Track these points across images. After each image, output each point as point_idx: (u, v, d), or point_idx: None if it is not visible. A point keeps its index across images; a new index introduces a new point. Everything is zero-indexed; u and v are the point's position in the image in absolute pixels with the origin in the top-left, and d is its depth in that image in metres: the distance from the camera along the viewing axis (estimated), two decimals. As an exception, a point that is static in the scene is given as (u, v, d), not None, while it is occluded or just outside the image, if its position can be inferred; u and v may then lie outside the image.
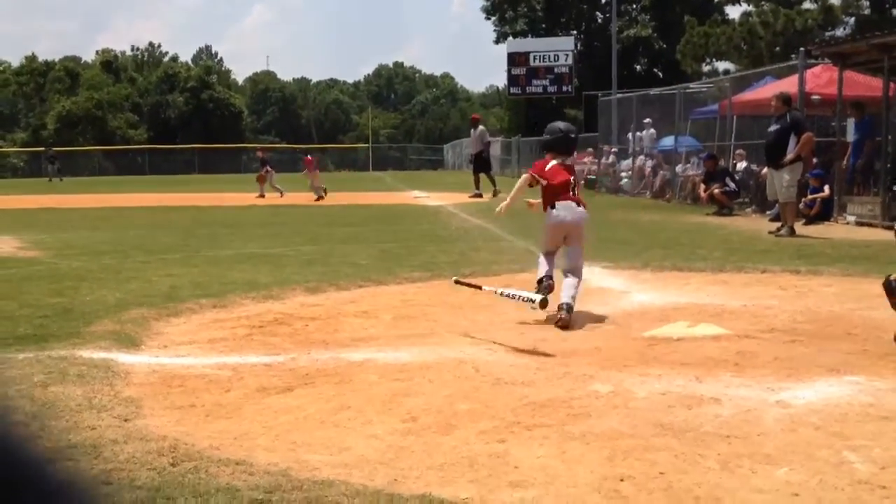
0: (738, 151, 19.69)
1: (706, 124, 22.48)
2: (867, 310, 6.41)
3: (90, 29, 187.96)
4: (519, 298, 5.55)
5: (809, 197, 15.07)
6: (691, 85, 25.13)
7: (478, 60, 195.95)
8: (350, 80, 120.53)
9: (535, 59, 45.85)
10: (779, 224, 13.27)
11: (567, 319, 6.17)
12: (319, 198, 23.65)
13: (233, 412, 4.16)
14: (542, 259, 6.73)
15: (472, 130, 25.25)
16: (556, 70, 45.76)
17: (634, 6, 54.26)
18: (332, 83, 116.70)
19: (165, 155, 67.45)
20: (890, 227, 12.10)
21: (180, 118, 77.43)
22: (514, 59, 46.35)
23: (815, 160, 15.15)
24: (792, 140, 12.90)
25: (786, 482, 3.16)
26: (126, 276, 8.69)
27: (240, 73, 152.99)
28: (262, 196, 25.18)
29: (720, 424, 3.83)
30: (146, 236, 13.61)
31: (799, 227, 13.29)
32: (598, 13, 56.97)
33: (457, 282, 6.44)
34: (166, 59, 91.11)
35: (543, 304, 5.17)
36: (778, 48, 32.06)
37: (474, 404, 4.21)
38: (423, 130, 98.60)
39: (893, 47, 14.33)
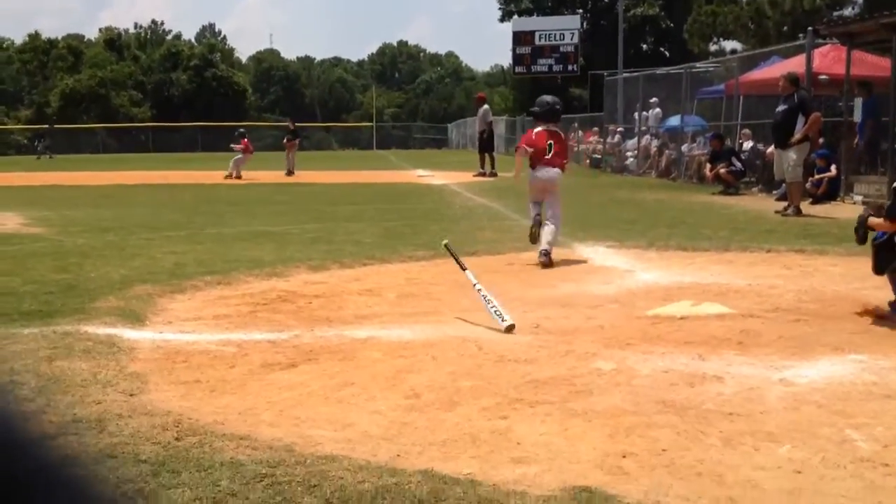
0: (743, 131, 19.61)
1: (712, 104, 22.38)
2: (872, 289, 6.40)
3: (93, 6, 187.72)
4: (493, 309, 5.45)
5: (816, 177, 15.03)
6: (698, 64, 25.00)
7: (483, 39, 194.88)
8: (354, 59, 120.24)
9: (540, 37, 45.54)
10: (785, 204, 13.23)
11: (547, 261, 7.90)
12: (230, 176, 23.56)
13: (237, 388, 4.18)
14: (530, 205, 8.55)
15: (479, 110, 25.22)
16: (561, 49, 45.48)
17: (641, -16, 53.94)
18: (335, 62, 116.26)
19: (169, 133, 67.36)
20: None
21: (184, 96, 77.20)
22: (520, 38, 46.07)
23: (821, 140, 15.09)
24: (799, 120, 12.85)
25: (788, 459, 3.17)
26: (130, 252, 8.70)
27: (243, 52, 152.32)
28: (290, 173, 25.11)
29: (723, 402, 3.84)
30: (150, 213, 13.61)
31: (805, 206, 13.26)
32: (604, -9, 56.67)
33: (447, 246, 6.33)
34: (169, 37, 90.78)
35: (510, 329, 5.19)
36: (786, 28, 31.88)
37: (477, 381, 4.22)
38: (428, 109, 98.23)
39: (901, 26, 14.23)
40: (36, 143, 53.42)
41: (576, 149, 32.60)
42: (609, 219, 11.91)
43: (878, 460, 3.15)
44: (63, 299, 6.14)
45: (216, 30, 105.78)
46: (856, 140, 15.70)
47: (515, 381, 4.20)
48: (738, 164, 17.77)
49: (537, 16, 52.37)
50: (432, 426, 3.58)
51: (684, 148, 22.14)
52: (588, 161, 30.10)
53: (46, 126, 56.26)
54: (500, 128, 39.59)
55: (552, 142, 8.40)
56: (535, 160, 8.39)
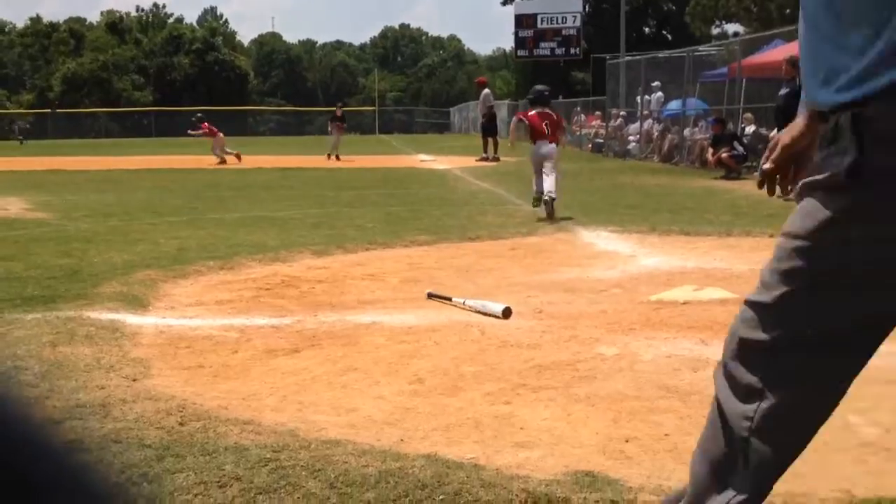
0: (745, 115, 19.55)
1: (715, 87, 22.30)
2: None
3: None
4: (483, 308, 5.40)
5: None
6: (700, 48, 24.90)
7: (485, 22, 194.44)
8: (356, 43, 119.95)
9: (542, 20, 45.30)
10: (787, 188, 13.22)
11: (550, 209, 9.84)
12: (222, 161, 23.48)
13: (240, 373, 4.19)
14: (535, 179, 10.30)
15: (480, 94, 25.16)
16: (563, 32, 45.24)
17: (644, -33, 53.67)
18: (338, 45, 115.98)
19: (171, 117, 67.29)
20: None
21: (186, 80, 77.02)
22: (522, 21, 45.83)
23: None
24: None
25: (790, 444, 3.17)
26: (133, 237, 8.71)
27: (245, 35, 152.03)
28: (336, 158, 25.00)
29: (725, 387, 3.84)
30: (153, 198, 13.61)
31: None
32: (606, -26, 56.39)
33: (429, 295, 6.16)
34: (171, 20, 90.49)
35: (507, 312, 5.15)
36: (788, 10, 31.71)
37: (480, 367, 4.23)
38: (430, 93, 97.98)
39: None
40: (14, 128, 53.51)
41: (578, 133, 32.54)
42: (611, 203, 11.89)
43: (880, 445, 3.16)
44: (66, 284, 6.15)
45: (218, 13, 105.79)
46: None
47: (518, 367, 4.21)
48: (741, 149, 17.72)
49: (539, -1, 52.13)
50: (435, 411, 3.59)
51: (686, 132, 22.08)
52: (590, 145, 30.03)
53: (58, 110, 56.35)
54: (502, 112, 39.42)
55: (547, 122, 10.34)
56: (535, 137, 10.32)
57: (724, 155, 17.45)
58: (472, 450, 3.13)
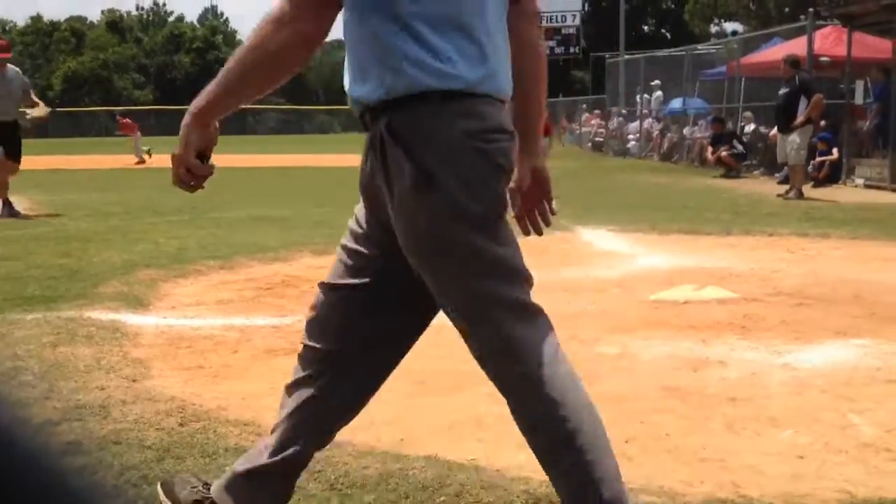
0: (745, 114, 19.55)
1: (714, 86, 22.31)
2: (875, 273, 6.40)
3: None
4: None
5: (818, 160, 14.99)
6: (699, 46, 24.90)
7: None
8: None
9: (542, 19, 45.08)
10: (787, 187, 13.21)
11: None
12: (141, 161, 23.43)
13: (240, 373, 4.18)
14: None
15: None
16: (562, 31, 45.13)
17: (643, -34, 53.66)
18: (338, 44, 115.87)
19: (171, 116, 67.24)
20: None
21: (186, 79, 76.92)
22: (522, 20, 45.75)
23: (822, 123, 15.04)
24: (802, 102, 12.82)
25: (791, 444, 3.17)
26: (133, 237, 8.70)
27: (245, 34, 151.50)
28: None
29: (726, 387, 3.84)
30: (153, 198, 13.59)
31: (807, 189, 13.24)
32: (606, -28, 56.38)
33: None
34: (171, 19, 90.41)
35: None
36: (787, 9, 31.73)
37: (481, 366, 4.22)
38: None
39: (905, 8, 14.17)
40: None
41: (578, 132, 32.51)
42: (611, 202, 11.89)
43: (881, 445, 3.16)
44: (66, 284, 6.14)
45: (218, 12, 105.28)
46: (867, 123, 15.62)
47: (518, 366, 4.20)
48: (740, 147, 17.74)
49: (539, -3, 52.05)
50: (436, 411, 3.59)
51: (686, 131, 22.08)
52: (590, 144, 30.01)
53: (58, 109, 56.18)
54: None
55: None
56: None
57: (723, 153, 17.46)
58: (473, 451, 3.13)
